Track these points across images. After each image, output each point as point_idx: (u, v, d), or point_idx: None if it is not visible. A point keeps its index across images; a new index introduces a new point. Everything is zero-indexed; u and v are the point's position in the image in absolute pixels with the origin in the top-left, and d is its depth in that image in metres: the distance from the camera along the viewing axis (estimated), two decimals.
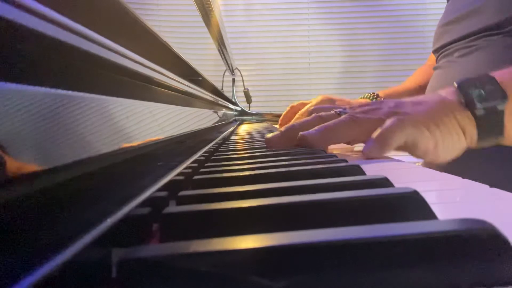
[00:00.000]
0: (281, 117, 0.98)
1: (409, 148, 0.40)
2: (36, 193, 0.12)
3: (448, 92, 0.42)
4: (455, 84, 0.42)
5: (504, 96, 0.39)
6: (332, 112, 0.49)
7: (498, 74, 0.41)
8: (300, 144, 0.46)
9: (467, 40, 0.68)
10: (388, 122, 0.39)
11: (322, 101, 0.82)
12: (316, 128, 0.44)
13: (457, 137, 0.40)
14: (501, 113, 0.39)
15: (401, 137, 0.39)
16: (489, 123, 0.40)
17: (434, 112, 0.40)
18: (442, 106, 0.41)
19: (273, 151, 0.43)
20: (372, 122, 0.42)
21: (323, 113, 0.49)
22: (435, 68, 0.77)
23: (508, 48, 0.61)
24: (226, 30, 1.31)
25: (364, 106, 0.45)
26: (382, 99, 0.91)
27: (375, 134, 0.40)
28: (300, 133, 0.45)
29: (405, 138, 0.39)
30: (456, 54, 0.70)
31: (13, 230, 0.11)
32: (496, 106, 0.39)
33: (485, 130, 0.40)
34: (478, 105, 0.39)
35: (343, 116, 0.44)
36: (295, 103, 0.90)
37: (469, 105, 0.40)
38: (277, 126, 1.01)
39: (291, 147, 0.47)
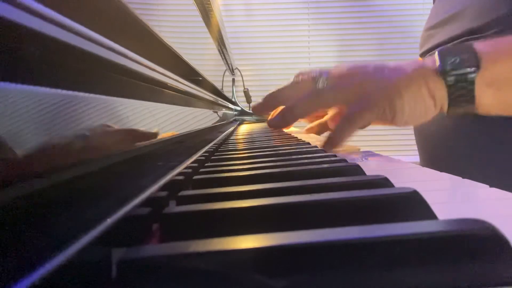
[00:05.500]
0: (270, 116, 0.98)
1: (374, 122, 0.43)
2: (36, 193, 0.12)
3: (430, 59, 0.43)
4: (436, 51, 0.42)
5: (476, 65, 0.39)
6: (310, 76, 0.49)
7: (481, 45, 0.41)
8: (270, 127, 0.51)
9: (450, 44, 0.68)
10: (340, 122, 0.43)
11: None
12: (278, 113, 0.49)
13: (423, 104, 0.41)
14: (472, 81, 0.39)
15: (354, 129, 0.43)
16: (459, 91, 0.40)
17: (404, 79, 0.41)
18: (415, 73, 0.42)
19: (273, 151, 0.43)
20: (335, 99, 0.44)
21: (300, 78, 0.50)
22: None
23: None
24: (226, 30, 1.31)
25: (343, 74, 0.46)
26: None
27: (329, 135, 0.44)
28: (268, 120, 0.51)
29: (360, 125, 0.42)
30: None
31: (13, 230, 0.11)
32: (467, 74, 0.39)
33: (455, 98, 0.40)
34: (450, 73, 0.40)
35: (306, 92, 0.46)
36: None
37: (442, 72, 0.40)
38: None
39: (287, 140, 0.48)
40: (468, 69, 0.39)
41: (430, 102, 0.41)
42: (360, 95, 0.43)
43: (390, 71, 0.43)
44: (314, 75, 0.48)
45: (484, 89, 0.40)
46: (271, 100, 0.50)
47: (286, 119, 0.48)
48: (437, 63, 0.41)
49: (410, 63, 0.44)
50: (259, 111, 0.51)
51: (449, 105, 0.41)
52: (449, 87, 0.40)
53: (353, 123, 0.42)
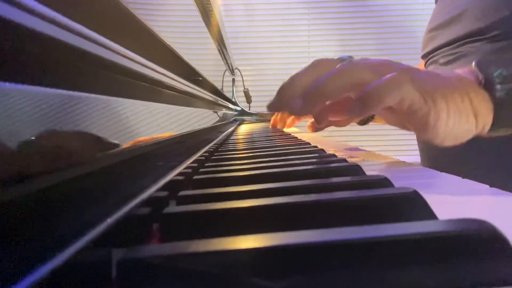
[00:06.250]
0: (273, 117, 0.98)
1: (405, 115, 0.34)
2: (36, 193, 0.12)
3: (465, 71, 0.36)
4: (473, 63, 0.36)
5: None
6: (335, 59, 0.39)
7: None
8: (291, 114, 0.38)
9: (451, 46, 0.68)
10: (388, 75, 0.32)
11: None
12: (300, 95, 0.35)
13: (466, 119, 0.34)
14: None
15: (397, 95, 0.32)
16: (509, 107, 0.34)
17: (447, 86, 0.34)
18: (457, 82, 0.35)
19: (273, 151, 0.43)
20: (376, 71, 0.34)
21: (323, 62, 0.39)
22: None
23: (491, 55, 0.61)
24: (226, 30, 1.31)
25: (376, 61, 0.36)
26: None
27: (365, 89, 0.32)
28: (288, 105, 0.37)
29: (401, 97, 0.32)
30: (442, 61, 0.70)
31: (13, 230, 0.11)
32: None
33: (503, 115, 0.34)
34: (498, 86, 0.34)
35: (339, 65, 0.35)
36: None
37: (488, 84, 0.34)
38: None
39: (287, 140, 0.47)
40: None
41: (472, 118, 0.34)
42: (406, 74, 0.33)
43: (428, 74, 0.36)
44: (337, 58, 0.38)
45: None
46: (287, 91, 0.37)
47: (313, 101, 0.35)
48: (478, 74, 0.35)
49: (442, 71, 0.37)
50: (276, 107, 0.39)
51: (494, 124, 0.35)
52: (497, 102, 0.34)
53: (394, 91, 0.31)
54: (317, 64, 0.38)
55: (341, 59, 0.39)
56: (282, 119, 0.91)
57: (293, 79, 0.38)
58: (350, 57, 0.42)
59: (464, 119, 0.34)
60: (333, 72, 0.34)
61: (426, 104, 0.32)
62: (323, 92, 0.34)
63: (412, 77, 0.33)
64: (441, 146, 0.36)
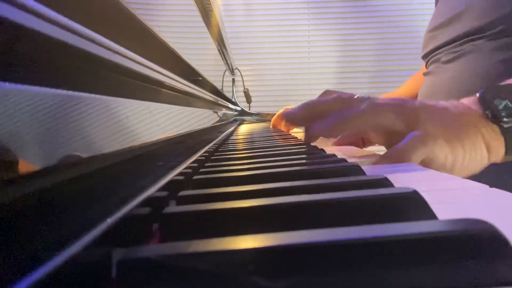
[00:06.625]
0: (274, 117, 0.98)
1: (425, 163, 0.36)
2: (36, 193, 0.12)
3: (470, 102, 0.39)
4: (477, 95, 0.39)
5: None
6: (351, 95, 0.43)
7: None
8: (309, 137, 0.43)
9: (453, 45, 0.69)
10: (411, 135, 0.36)
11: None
12: (321, 122, 0.40)
13: (480, 153, 0.37)
14: None
15: (421, 155, 0.35)
16: None
17: (460, 126, 0.37)
18: (467, 118, 0.37)
19: (273, 151, 0.43)
20: (394, 118, 0.37)
21: (338, 95, 0.43)
22: (425, 74, 0.78)
23: (493, 52, 0.62)
24: (226, 30, 1.31)
25: (394, 98, 0.40)
26: None
27: (393, 148, 0.36)
28: (308, 127, 0.42)
29: (425, 156, 0.35)
30: (443, 59, 0.71)
31: (13, 230, 0.11)
32: None
33: None
34: (505, 119, 0.36)
35: (363, 104, 0.38)
36: (289, 106, 0.89)
37: (495, 118, 0.36)
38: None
39: (287, 140, 0.47)
40: None
41: (485, 152, 0.37)
42: (427, 122, 0.37)
43: (439, 111, 0.38)
44: (356, 96, 0.42)
45: None
46: (309, 110, 0.43)
47: (332, 131, 0.40)
48: (483, 107, 0.37)
49: (450, 104, 0.39)
50: (294, 120, 0.44)
51: (506, 153, 0.37)
52: (506, 134, 0.36)
53: (420, 147, 0.35)
54: (338, 97, 0.42)
55: (362, 98, 0.41)
56: (287, 126, 0.91)
57: (317, 102, 0.43)
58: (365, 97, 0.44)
59: (478, 156, 0.36)
60: (358, 111, 0.38)
61: (443, 153, 0.35)
62: (344, 127, 0.39)
63: (430, 133, 0.36)
64: None
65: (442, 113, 0.38)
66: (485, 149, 0.37)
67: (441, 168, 0.36)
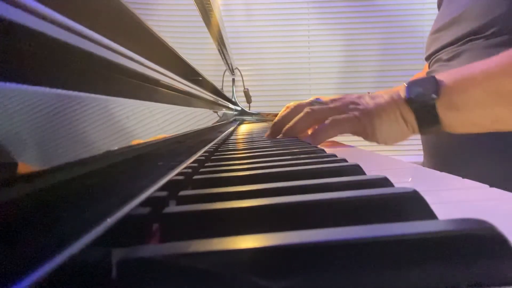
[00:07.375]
0: (277, 117, 0.99)
1: (353, 133, 0.54)
2: (36, 193, 0.12)
3: (401, 89, 0.53)
4: (405, 84, 0.52)
5: (435, 93, 0.48)
6: (307, 103, 0.65)
7: (442, 76, 0.50)
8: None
9: (454, 45, 0.73)
10: (326, 121, 0.54)
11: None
12: (283, 131, 0.64)
13: (397, 125, 0.51)
14: (433, 106, 0.48)
15: (334, 133, 0.54)
16: (424, 115, 0.49)
17: (381, 105, 0.52)
18: (390, 100, 0.52)
19: (273, 151, 0.43)
20: (327, 114, 0.55)
21: (299, 105, 0.66)
22: (428, 74, 0.80)
23: (490, 50, 0.66)
24: (226, 30, 1.31)
25: (335, 100, 0.58)
26: None
27: (311, 130, 0.56)
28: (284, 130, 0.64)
29: (341, 132, 0.54)
30: (445, 58, 0.75)
31: (13, 230, 0.11)
32: (428, 100, 0.49)
33: (422, 120, 0.50)
34: (415, 100, 0.49)
35: (301, 113, 0.60)
36: (291, 104, 0.91)
37: (409, 100, 0.50)
38: None
39: (291, 145, 0.49)
40: (430, 96, 0.48)
41: (403, 124, 0.51)
42: (348, 112, 0.53)
43: (371, 98, 0.54)
44: (309, 101, 0.65)
45: (445, 112, 0.49)
46: (278, 125, 0.67)
47: (289, 134, 0.63)
48: (405, 94, 0.51)
49: (387, 93, 0.54)
50: (274, 135, 0.68)
51: (419, 127, 0.50)
52: (414, 111, 0.50)
53: (335, 128, 0.53)
54: (296, 108, 0.66)
55: (312, 102, 0.64)
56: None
57: (282, 118, 0.67)
58: (319, 100, 0.65)
59: (394, 125, 0.51)
60: (302, 116, 0.60)
61: (363, 127, 0.52)
62: (297, 129, 0.62)
63: (358, 111, 0.53)
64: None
65: (372, 98, 0.54)
66: (403, 122, 0.51)
67: (365, 136, 0.53)
